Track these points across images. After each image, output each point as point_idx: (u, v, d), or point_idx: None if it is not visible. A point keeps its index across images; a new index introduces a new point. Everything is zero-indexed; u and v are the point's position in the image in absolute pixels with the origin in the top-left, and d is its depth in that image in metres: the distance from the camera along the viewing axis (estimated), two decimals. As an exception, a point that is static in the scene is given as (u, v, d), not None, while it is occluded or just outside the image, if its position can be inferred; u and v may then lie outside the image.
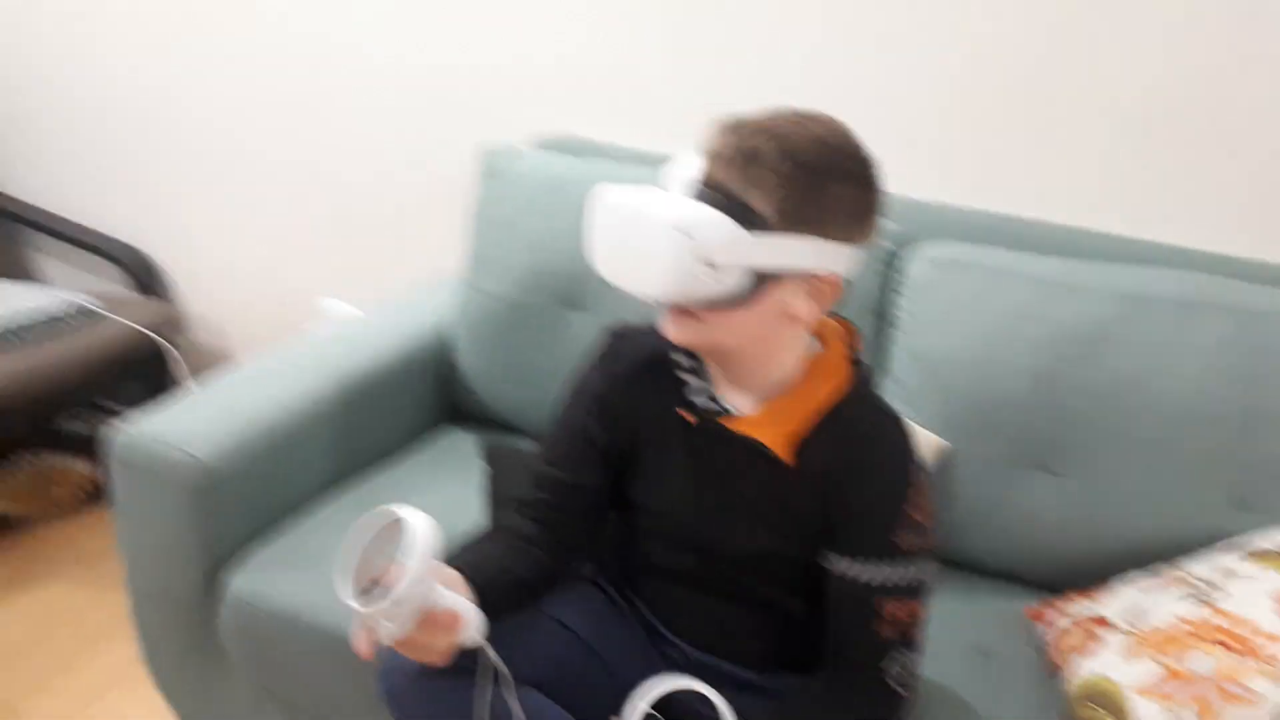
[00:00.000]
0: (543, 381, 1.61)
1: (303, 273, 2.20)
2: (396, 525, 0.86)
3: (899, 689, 1.01)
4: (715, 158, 0.93)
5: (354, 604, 0.85)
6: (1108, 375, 1.37)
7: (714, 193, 0.92)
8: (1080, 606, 1.29)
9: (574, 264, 1.60)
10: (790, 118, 0.94)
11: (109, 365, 2.00)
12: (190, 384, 1.51)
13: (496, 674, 0.97)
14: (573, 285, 1.62)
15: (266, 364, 1.54)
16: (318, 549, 1.37)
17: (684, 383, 1.06)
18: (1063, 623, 1.28)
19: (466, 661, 0.97)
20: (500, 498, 1.38)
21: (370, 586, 0.86)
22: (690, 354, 1.07)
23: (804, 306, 0.97)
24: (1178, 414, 1.34)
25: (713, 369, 1.06)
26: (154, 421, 1.37)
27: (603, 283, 1.55)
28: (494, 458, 1.44)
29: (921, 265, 1.48)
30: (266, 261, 2.22)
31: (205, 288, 2.31)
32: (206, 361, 2.31)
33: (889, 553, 1.00)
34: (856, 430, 1.02)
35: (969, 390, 1.42)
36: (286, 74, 2.04)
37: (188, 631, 1.40)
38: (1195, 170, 1.54)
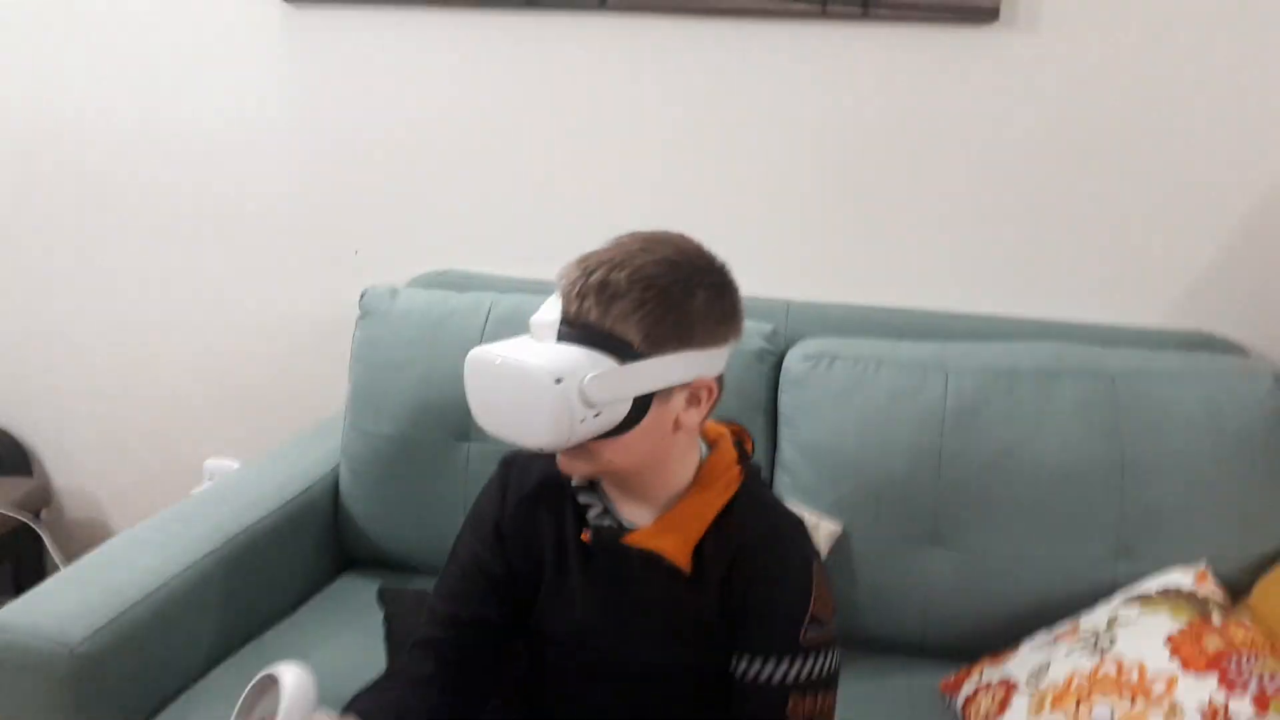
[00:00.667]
0: (438, 518, 1.58)
1: (185, 435, 2.12)
2: (274, 684, 0.83)
3: None
4: (572, 297, 0.95)
5: None
6: (984, 446, 1.43)
7: (579, 331, 0.93)
8: (990, 672, 1.31)
9: (460, 395, 1.57)
10: (636, 244, 0.97)
11: (-28, 555, 1.88)
12: (63, 566, 1.42)
13: None
14: (461, 417, 1.60)
15: (142, 534, 1.47)
16: (208, 723, 1.29)
17: (580, 504, 1.06)
18: (973, 691, 1.29)
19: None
20: (399, 641, 1.32)
21: None
22: None
23: (686, 415, 0.99)
24: (1053, 475, 1.41)
25: (609, 487, 1.06)
26: (18, 609, 1.28)
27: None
28: (390, 600, 1.39)
29: (797, 361, 1.54)
30: (144, 427, 2.14)
31: (78, 461, 2.20)
32: (86, 541, 2.18)
33: (795, 650, 1.00)
34: (750, 531, 1.03)
35: (855, 474, 1.45)
36: (151, 227, 2.00)
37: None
38: (1047, 247, 1.66)
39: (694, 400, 0.98)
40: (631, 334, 0.92)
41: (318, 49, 1.85)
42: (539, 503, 1.08)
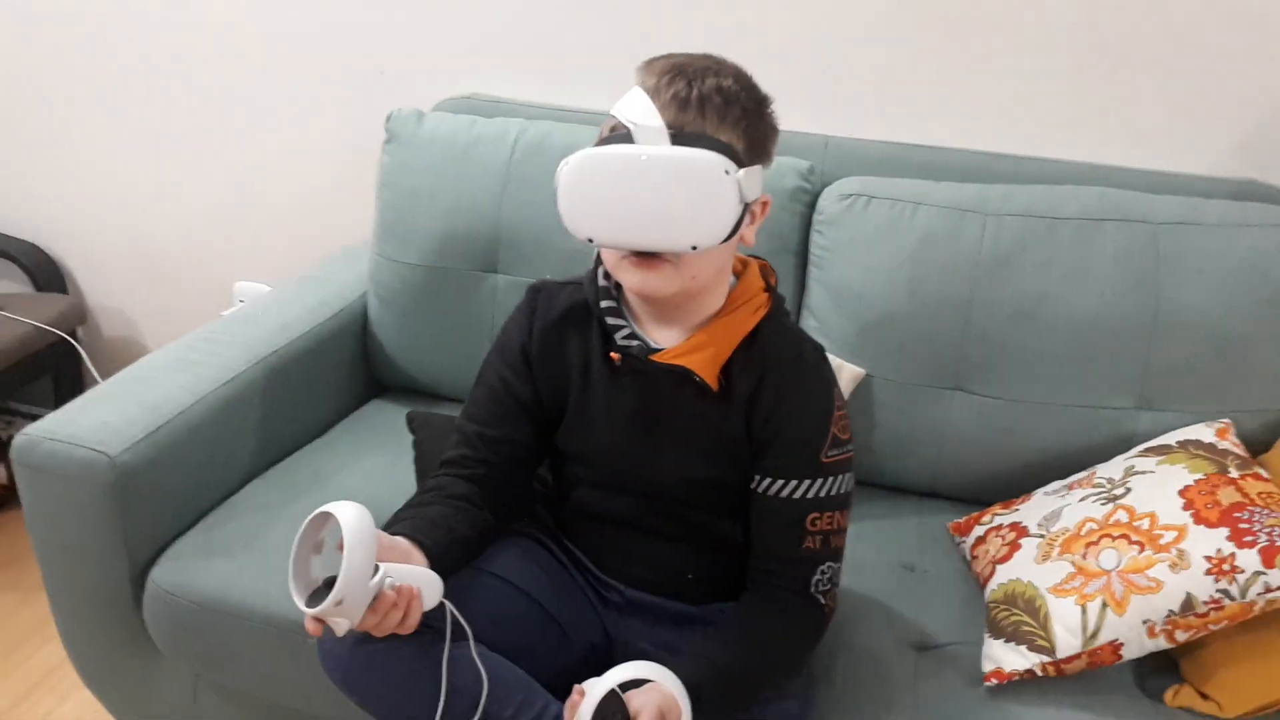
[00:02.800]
0: (466, 347, 1.59)
1: (214, 257, 2.13)
2: (332, 521, 0.86)
3: (824, 600, 1.05)
4: (685, 103, 0.94)
5: (304, 607, 0.87)
6: (1017, 294, 1.40)
7: (694, 139, 0.93)
8: (1001, 516, 1.33)
9: (487, 226, 1.58)
10: (707, 58, 0.98)
11: (13, 367, 1.93)
12: (101, 381, 1.46)
13: (451, 631, 0.97)
14: (487, 248, 1.60)
15: (176, 351, 1.50)
16: (243, 533, 1.35)
17: (606, 327, 1.06)
18: (983, 534, 1.32)
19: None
20: (429, 464, 1.36)
21: (321, 586, 0.88)
22: (610, 297, 1.07)
23: (748, 231, 1.01)
24: (1084, 325, 1.38)
25: (639, 310, 1.06)
26: (59, 420, 1.32)
27: (516, 243, 1.57)
28: (418, 425, 1.42)
29: (832, 200, 1.49)
30: (174, 249, 2.15)
31: (112, 281, 2.23)
32: (122, 358, 2.23)
33: (816, 469, 1.03)
34: (777, 353, 1.05)
35: (883, 318, 1.44)
36: (181, 51, 1.96)
37: (114, 629, 1.37)
38: (1097, 87, 1.57)
39: (754, 218, 1.02)
40: (738, 142, 0.95)
41: None
42: (566, 328, 1.10)
